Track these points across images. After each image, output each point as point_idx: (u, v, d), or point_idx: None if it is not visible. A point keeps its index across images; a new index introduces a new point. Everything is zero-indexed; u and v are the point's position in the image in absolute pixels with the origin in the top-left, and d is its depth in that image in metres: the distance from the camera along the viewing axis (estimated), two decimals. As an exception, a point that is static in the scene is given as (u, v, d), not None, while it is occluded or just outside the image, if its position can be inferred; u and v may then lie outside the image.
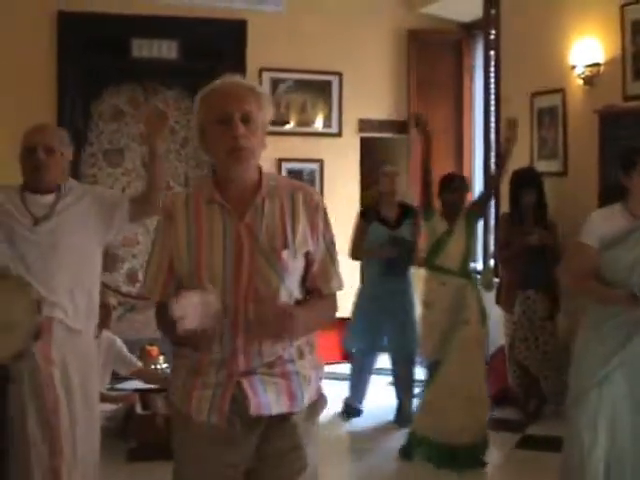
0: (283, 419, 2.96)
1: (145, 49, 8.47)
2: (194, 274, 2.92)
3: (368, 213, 7.15)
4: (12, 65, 7.92)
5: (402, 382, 7.12)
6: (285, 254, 2.91)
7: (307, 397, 3.00)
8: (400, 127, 9.25)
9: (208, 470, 2.98)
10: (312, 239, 2.98)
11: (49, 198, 4.23)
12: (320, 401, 3.12)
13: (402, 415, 6.96)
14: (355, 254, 7.04)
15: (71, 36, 8.18)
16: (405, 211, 7.07)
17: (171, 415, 3.18)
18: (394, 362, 7.19)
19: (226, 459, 2.95)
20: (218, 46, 8.60)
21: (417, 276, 6.95)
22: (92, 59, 8.28)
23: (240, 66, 8.51)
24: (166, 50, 8.51)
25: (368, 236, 7.01)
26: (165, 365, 7.01)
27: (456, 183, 6.20)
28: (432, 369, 6.05)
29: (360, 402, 7.31)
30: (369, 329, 7.11)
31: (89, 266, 4.29)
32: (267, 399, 2.91)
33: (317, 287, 3.04)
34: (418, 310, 6.68)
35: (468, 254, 6.16)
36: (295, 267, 2.95)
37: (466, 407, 5.84)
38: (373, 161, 8.89)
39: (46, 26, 8.15)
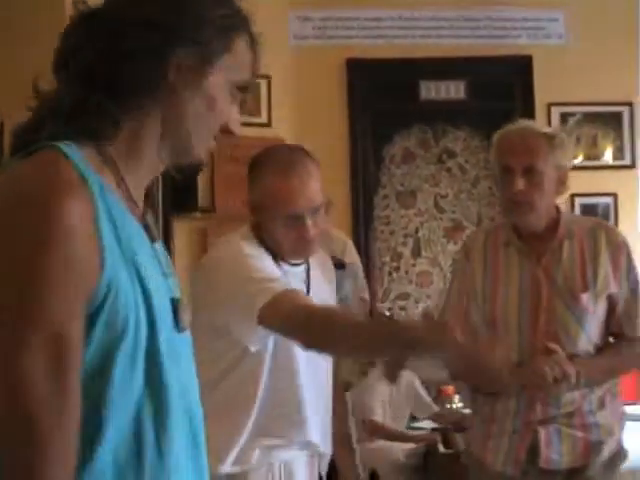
0: (579, 471, 2.89)
1: (433, 91, 8.61)
2: (488, 320, 2.91)
3: None
4: (304, 113, 8.25)
5: None
6: (585, 298, 2.85)
7: (607, 449, 2.92)
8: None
9: None
10: (615, 280, 2.91)
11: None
12: (620, 453, 3.02)
13: None
14: None
15: (360, 82, 8.43)
16: None
17: (467, 459, 3.18)
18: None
19: None
20: (505, 83, 8.59)
21: None
22: (381, 104, 8.52)
23: (528, 102, 8.44)
24: (454, 90, 8.61)
25: None
26: (460, 405, 7.02)
27: None
28: None
29: None
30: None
31: None
32: (559, 453, 2.85)
33: (621, 331, 2.97)
34: None
35: None
36: (596, 311, 2.89)
37: None
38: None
39: (335, 74, 8.44)
